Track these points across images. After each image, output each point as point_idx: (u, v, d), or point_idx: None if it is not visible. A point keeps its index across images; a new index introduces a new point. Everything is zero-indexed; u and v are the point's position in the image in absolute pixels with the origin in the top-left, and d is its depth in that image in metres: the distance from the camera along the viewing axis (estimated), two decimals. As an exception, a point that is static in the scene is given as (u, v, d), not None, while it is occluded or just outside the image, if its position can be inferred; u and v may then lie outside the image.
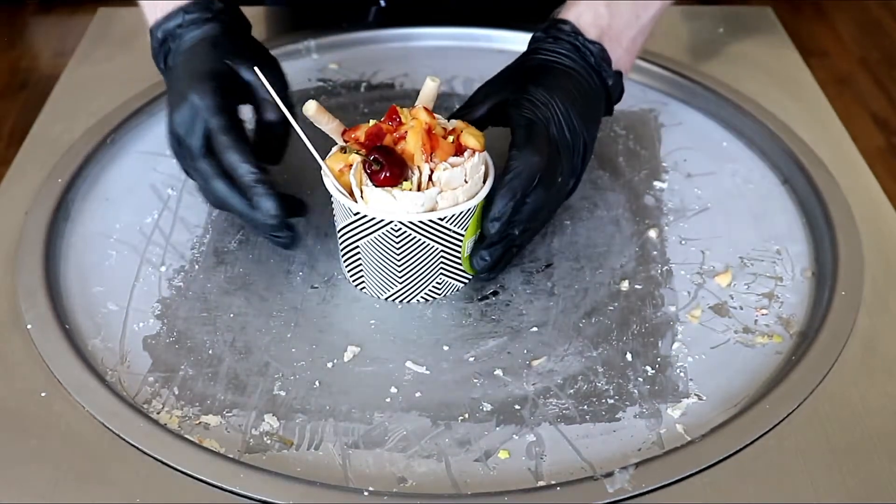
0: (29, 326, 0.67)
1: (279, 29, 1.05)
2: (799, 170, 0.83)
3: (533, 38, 0.79)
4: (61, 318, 0.68)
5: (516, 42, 1.01)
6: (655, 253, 0.76)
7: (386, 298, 0.71)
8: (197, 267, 0.75)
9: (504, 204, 0.67)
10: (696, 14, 1.09)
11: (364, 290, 0.72)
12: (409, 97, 0.93)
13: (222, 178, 0.70)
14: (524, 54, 0.78)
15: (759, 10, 1.09)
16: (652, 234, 0.78)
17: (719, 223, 0.80)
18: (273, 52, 0.90)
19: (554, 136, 0.71)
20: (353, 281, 0.72)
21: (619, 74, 0.78)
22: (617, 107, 0.93)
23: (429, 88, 0.71)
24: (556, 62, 0.75)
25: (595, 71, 0.76)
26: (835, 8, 2.74)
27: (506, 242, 0.70)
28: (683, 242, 0.78)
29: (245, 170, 0.69)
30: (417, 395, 0.64)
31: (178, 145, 0.73)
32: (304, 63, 0.99)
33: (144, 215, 0.79)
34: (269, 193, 0.69)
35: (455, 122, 0.69)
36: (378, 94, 0.95)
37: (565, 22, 0.77)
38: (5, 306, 0.70)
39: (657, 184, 0.84)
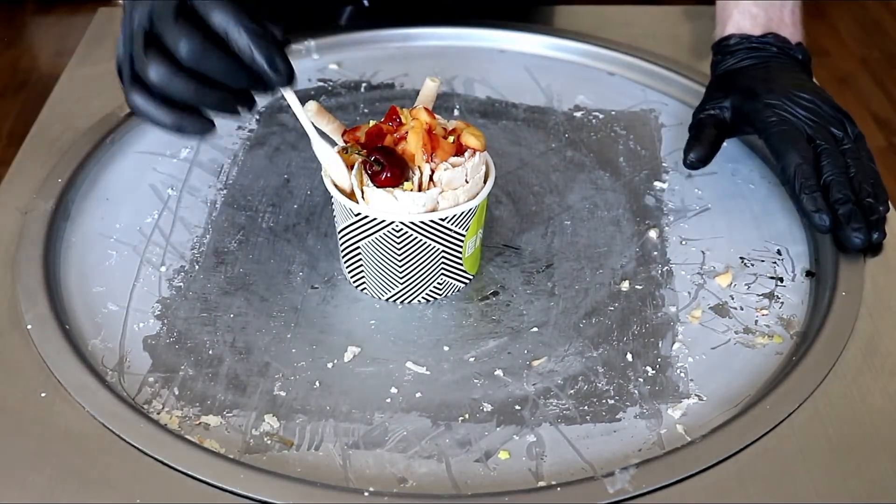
0: (29, 326, 0.67)
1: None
2: (799, 170, 0.83)
3: (712, 63, 0.85)
4: (61, 319, 0.68)
5: (516, 42, 1.01)
6: (656, 253, 0.76)
7: (387, 299, 0.71)
8: (197, 267, 0.75)
9: (812, 199, 0.72)
10: (696, 14, 1.09)
11: (365, 291, 0.72)
12: (409, 97, 0.93)
13: (211, 43, 0.59)
14: (715, 67, 0.84)
15: (760, 10, 1.09)
16: (652, 234, 0.78)
17: (720, 223, 0.80)
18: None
19: (803, 118, 0.76)
20: (354, 281, 0.72)
21: (800, 45, 0.83)
22: (617, 107, 0.94)
23: (429, 89, 0.71)
24: (750, 65, 0.81)
25: (782, 53, 0.81)
26: (835, 8, 2.74)
27: (847, 210, 0.72)
28: (684, 243, 0.77)
29: (247, 25, 0.59)
30: (418, 395, 0.64)
31: (131, 26, 0.61)
32: (304, 63, 0.99)
33: (144, 215, 0.79)
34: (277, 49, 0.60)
35: (455, 122, 0.69)
36: (378, 94, 0.95)
37: (729, 37, 0.83)
38: (5, 306, 0.70)
39: (657, 184, 0.84)
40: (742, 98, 0.79)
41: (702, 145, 0.79)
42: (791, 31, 0.83)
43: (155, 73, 0.60)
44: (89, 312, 0.70)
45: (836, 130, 0.76)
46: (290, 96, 0.65)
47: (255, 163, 0.86)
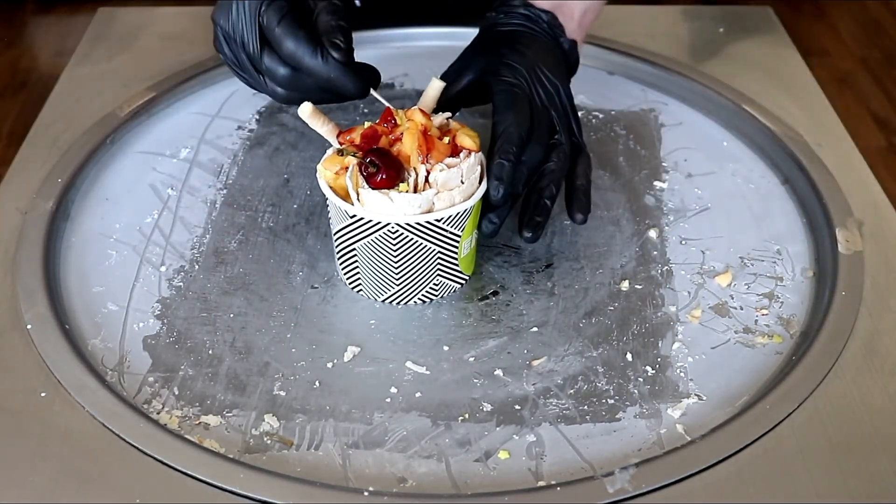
0: (29, 326, 0.67)
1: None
2: (799, 170, 0.83)
3: (486, 18, 0.81)
4: (61, 318, 0.68)
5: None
6: (656, 253, 0.76)
7: (383, 301, 0.71)
8: (197, 267, 0.75)
9: (501, 166, 0.68)
10: (696, 14, 1.09)
11: (361, 293, 0.72)
12: (410, 97, 0.93)
13: (288, 68, 0.69)
14: (481, 32, 0.80)
15: (759, 9, 1.09)
16: (652, 234, 0.78)
17: (719, 223, 0.80)
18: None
19: (536, 95, 0.73)
20: (350, 283, 0.72)
21: (573, 43, 0.79)
22: (617, 107, 0.94)
23: (433, 89, 0.72)
24: (516, 30, 0.78)
25: (551, 36, 0.78)
26: (835, 8, 2.74)
27: (511, 205, 0.70)
28: (684, 242, 0.77)
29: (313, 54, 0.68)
30: (417, 395, 0.64)
31: (230, 50, 0.71)
32: (304, 63, 0.99)
33: (144, 215, 0.79)
34: (351, 71, 0.68)
35: (452, 123, 0.69)
36: (378, 94, 0.95)
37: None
38: (5, 306, 0.70)
39: (657, 184, 0.84)
40: (491, 56, 0.76)
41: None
42: (574, 27, 0.80)
43: (279, 79, 0.70)
44: (89, 312, 0.70)
45: (560, 125, 0.73)
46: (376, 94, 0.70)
47: (254, 163, 0.86)
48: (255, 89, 0.72)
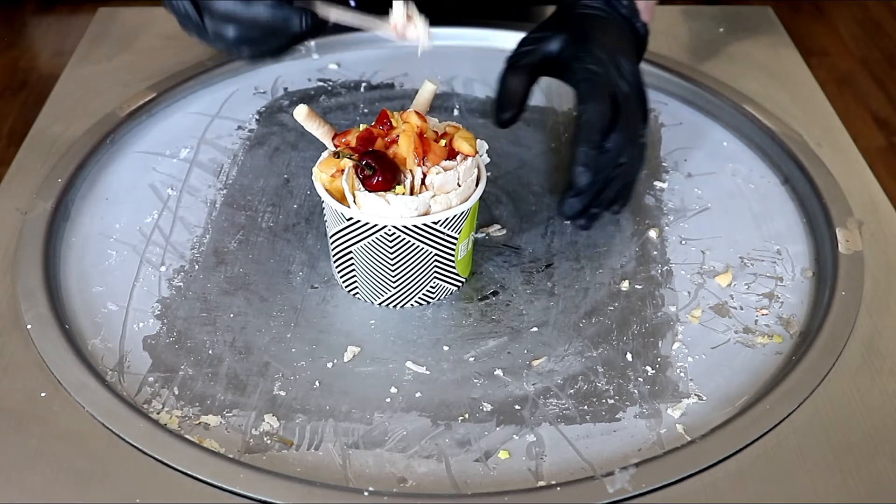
0: (29, 326, 0.67)
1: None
2: (799, 170, 0.83)
3: None
4: (61, 318, 0.68)
5: (516, 42, 1.01)
6: (656, 253, 0.76)
7: (380, 304, 0.71)
8: (197, 267, 0.75)
9: (586, 153, 0.71)
10: (696, 14, 1.09)
11: (357, 296, 0.72)
12: (409, 97, 0.93)
13: None
14: (561, 9, 0.80)
15: (759, 9, 1.09)
16: (652, 234, 0.78)
17: (719, 223, 0.80)
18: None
19: (619, 86, 0.73)
20: (347, 286, 0.72)
21: (645, 26, 0.80)
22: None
23: (426, 91, 0.71)
24: (597, 14, 0.78)
25: (628, 21, 0.79)
26: (835, 8, 2.74)
27: (593, 192, 0.73)
28: (684, 242, 0.78)
29: None
30: (417, 395, 0.64)
31: None
32: (304, 63, 0.99)
33: (144, 215, 0.79)
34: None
35: (447, 124, 0.69)
36: (378, 94, 0.95)
37: None
38: (5, 306, 0.70)
39: (657, 184, 0.84)
40: (574, 39, 0.76)
41: (513, 104, 0.76)
42: (642, 7, 0.81)
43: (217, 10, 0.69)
44: (89, 312, 0.70)
45: (638, 117, 0.75)
46: (331, 14, 0.70)
47: (254, 163, 0.86)
48: (203, 40, 0.71)
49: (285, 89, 0.96)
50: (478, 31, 1.02)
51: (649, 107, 0.76)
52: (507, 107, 0.75)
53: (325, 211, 0.69)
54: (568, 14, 0.79)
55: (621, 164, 0.73)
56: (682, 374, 0.66)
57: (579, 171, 0.71)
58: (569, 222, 0.76)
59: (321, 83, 0.97)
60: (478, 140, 0.69)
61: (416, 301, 0.71)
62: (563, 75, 0.76)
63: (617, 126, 0.72)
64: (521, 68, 0.76)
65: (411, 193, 0.65)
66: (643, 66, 0.96)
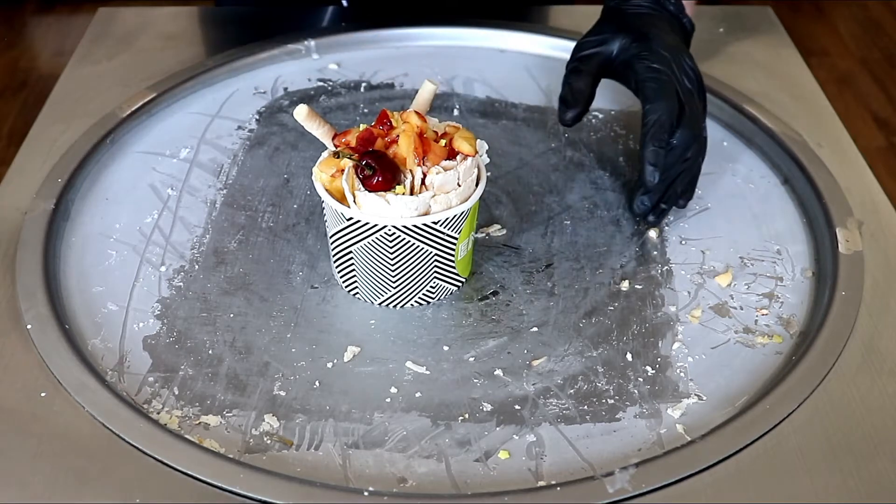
0: (29, 326, 0.67)
1: (273, 29, 1.05)
2: (799, 170, 0.83)
3: None
4: (61, 318, 0.68)
5: (516, 42, 1.01)
6: (655, 253, 0.76)
7: (380, 304, 0.71)
8: (197, 267, 0.75)
9: (655, 153, 0.72)
10: (696, 14, 1.08)
11: (357, 296, 0.72)
12: (409, 97, 0.93)
13: None
14: (611, 10, 0.82)
15: (759, 9, 1.09)
16: (652, 234, 0.78)
17: (719, 223, 0.80)
18: (273, 52, 0.90)
19: (682, 82, 0.75)
20: (346, 286, 0.72)
21: (692, 22, 0.82)
22: (617, 107, 0.94)
23: (426, 91, 0.71)
24: (646, 13, 0.79)
25: (675, 17, 0.81)
26: (835, 8, 2.74)
27: (662, 188, 0.75)
28: (684, 242, 0.78)
29: None
30: (417, 395, 0.64)
31: None
32: (304, 63, 0.99)
33: (144, 215, 0.79)
34: None
35: (447, 124, 0.69)
36: (378, 94, 0.95)
37: None
38: (5, 306, 0.70)
39: (657, 184, 0.84)
40: (634, 39, 0.77)
41: (578, 102, 0.77)
42: (686, 3, 0.83)
43: None
44: (89, 312, 0.70)
45: (701, 113, 0.77)
46: None
47: (254, 163, 0.86)
48: None
49: (285, 89, 0.96)
50: (478, 31, 1.02)
51: (705, 100, 0.78)
52: (571, 105, 0.77)
53: (325, 211, 0.69)
54: (621, 14, 0.80)
55: (687, 159, 0.75)
56: (682, 374, 0.66)
57: (650, 170, 0.73)
58: (645, 220, 0.78)
59: (321, 83, 0.97)
60: (478, 140, 0.69)
61: (416, 301, 0.71)
62: (625, 75, 0.78)
63: (682, 122, 0.74)
64: (584, 72, 0.78)
65: (411, 193, 0.65)
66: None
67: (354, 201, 0.66)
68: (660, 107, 0.73)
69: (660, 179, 0.74)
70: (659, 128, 0.73)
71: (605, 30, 0.79)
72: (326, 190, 0.67)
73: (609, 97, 0.95)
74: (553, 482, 0.58)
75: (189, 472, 0.58)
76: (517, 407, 0.64)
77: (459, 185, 0.66)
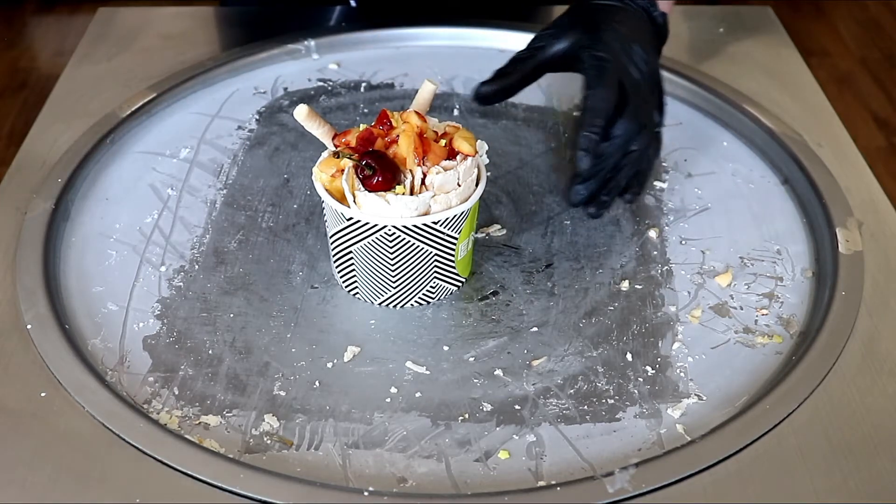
0: (29, 326, 0.67)
1: (278, 30, 1.05)
2: (799, 170, 0.83)
3: None
4: (61, 318, 0.68)
5: (516, 42, 1.01)
6: (655, 253, 0.76)
7: (380, 304, 0.71)
8: (197, 267, 0.75)
9: (587, 139, 0.70)
10: (696, 14, 1.09)
11: (357, 296, 0.72)
12: (409, 97, 0.93)
13: None
14: (576, 4, 0.80)
15: (759, 9, 1.09)
16: (652, 234, 0.78)
17: (719, 223, 0.80)
18: (273, 52, 0.89)
19: (629, 72, 0.73)
20: (346, 286, 0.72)
21: (664, 16, 0.80)
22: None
23: (426, 91, 0.71)
24: (611, 5, 0.78)
25: (645, 11, 0.79)
26: (835, 8, 2.74)
27: (600, 178, 0.72)
28: (684, 242, 0.77)
29: None
30: (417, 395, 0.64)
31: None
32: (304, 63, 0.99)
33: (144, 215, 0.79)
34: None
35: (447, 124, 0.69)
36: (378, 94, 0.95)
37: None
38: (5, 306, 0.70)
39: (657, 184, 0.84)
40: (585, 30, 0.76)
41: (497, 81, 0.75)
42: None
43: None
44: (89, 312, 0.70)
45: (649, 105, 0.74)
46: None
47: (254, 163, 0.86)
48: None
49: (285, 89, 0.96)
50: (478, 31, 1.02)
51: (665, 97, 0.76)
52: (491, 80, 0.75)
53: (325, 211, 0.69)
54: (583, 8, 0.79)
55: (632, 152, 0.73)
56: (682, 374, 0.66)
57: (580, 155, 0.71)
58: (585, 211, 0.76)
59: (321, 83, 0.97)
60: (478, 140, 0.69)
61: (416, 301, 0.71)
62: (576, 67, 0.76)
63: (625, 112, 0.72)
64: (525, 60, 0.77)
65: (411, 193, 0.65)
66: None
67: (354, 201, 0.65)
68: (598, 93, 0.71)
69: (595, 168, 0.71)
70: (594, 114, 0.71)
71: (562, 23, 0.78)
72: (326, 190, 0.67)
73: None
74: (553, 482, 0.58)
75: (189, 472, 0.58)
76: (517, 407, 0.64)
77: (459, 185, 0.66)
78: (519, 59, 0.77)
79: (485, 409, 0.64)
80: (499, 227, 0.79)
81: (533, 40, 0.78)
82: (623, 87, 0.72)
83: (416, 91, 0.72)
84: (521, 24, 1.02)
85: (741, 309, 0.71)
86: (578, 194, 0.72)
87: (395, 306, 0.71)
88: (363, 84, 0.97)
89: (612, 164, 0.72)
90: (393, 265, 0.68)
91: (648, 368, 0.66)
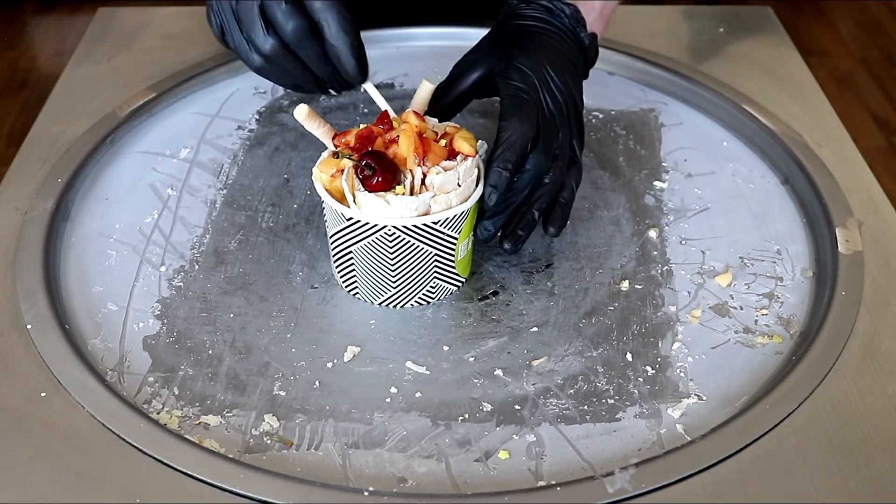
0: (29, 326, 0.67)
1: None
2: (799, 170, 0.83)
3: (507, 5, 0.79)
4: (61, 318, 0.68)
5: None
6: (655, 253, 0.76)
7: (380, 304, 0.71)
8: (197, 267, 0.75)
9: (498, 174, 0.68)
10: (696, 14, 1.09)
11: (357, 296, 0.72)
12: (410, 97, 0.93)
13: (304, 21, 0.67)
14: (499, 23, 0.79)
15: (759, 9, 1.09)
16: (652, 234, 0.78)
17: (719, 223, 0.80)
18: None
19: (544, 102, 0.71)
20: (347, 287, 0.72)
21: (594, 36, 0.78)
22: (617, 107, 0.94)
23: (425, 90, 0.71)
24: (533, 26, 0.76)
25: (571, 32, 0.77)
26: (835, 8, 2.74)
27: (509, 213, 0.70)
28: (683, 242, 0.78)
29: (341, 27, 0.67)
30: (417, 395, 0.64)
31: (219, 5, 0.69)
32: (304, 63, 0.99)
33: (144, 215, 0.79)
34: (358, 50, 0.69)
35: (447, 125, 0.69)
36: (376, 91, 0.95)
37: None
38: (5, 306, 0.70)
39: (657, 184, 0.84)
40: (502, 56, 0.74)
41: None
42: (595, 17, 0.79)
43: (269, 47, 0.68)
44: (89, 312, 0.70)
45: (562, 136, 0.72)
46: (370, 89, 0.71)
47: (254, 163, 0.86)
48: (234, 43, 0.70)
49: (285, 89, 0.96)
50: (478, 31, 1.01)
51: (578, 122, 0.74)
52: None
53: (325, 211, 0.69)
54: (503, 31, 0.77)
55: (544, 185, 0.71)
56: (682, 374, 0.66)
57: (488, 191, 0.67)
58: (501, 247, 0.72)
59: (321, 83, 0.97)
60: (478, 140, 0.69)
61: (416, 301, 0.71)
62: (495, 93, 0.74)
63: (536, 146, 0.69)
64: (449, 91, 0.76)
65: (411, 193, 0.65)
66: (644, 64, 0.97)
67: (354, 201, 0.65)
68: (512, 126, 0.68)
69: (503, 203, 0.69)
70: (507, 148, 0.68)
71: (480, 48, 0.77)
72: (326, 190, 0.67)
73: (609, 97, 0.95)
74: (553, 482, 0.58)
75: (189, 472, 0.58)
76: (517, 407, 0.64)
77: (459, 186, 0.66)
78: (440, 92, 0.75)
79: (485, 409, 0.64)
80: (499, 227, 0.78)
81: (454, 67, 0.77)
82: (539, 119, 0.70)
83: (416, 91, 0.72)
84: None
85: (741, 309, 0.71)
86: (486, 230, 0.69)
87: (395, 306, 0.71)
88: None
89: (521, 199, 0.70)
90: (393, 265, 0.68)
91: (648, 368, 0.66)
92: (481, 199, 0.68)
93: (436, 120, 0.70)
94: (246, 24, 0.68)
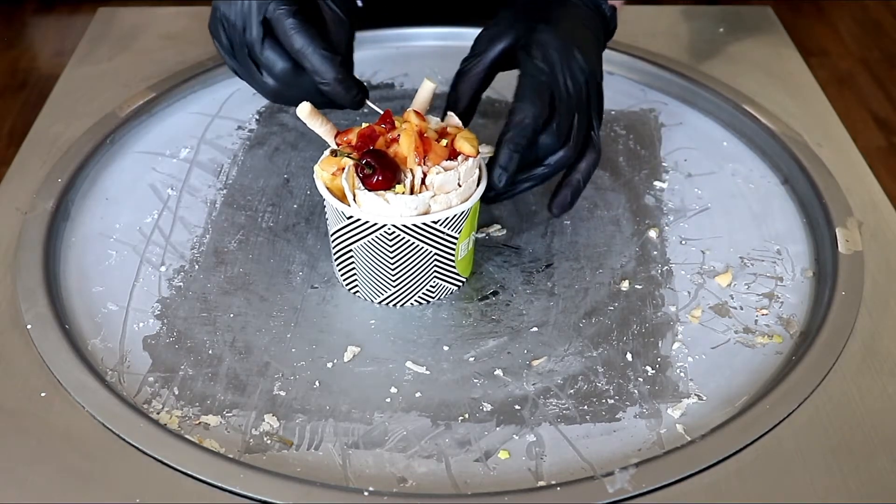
0: (29, 326, 0.67)
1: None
2: (799, 170, 0.83)
3: None
4: (61, 318, 0.68)
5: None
6: (655, 253, 0.76)
7: (379, 302, 0.71)
8: (197, 267, 0.75)
9: (508, 156, 0.68)
10: (696, 14, 1.09)
11: (357, 294, 0.72)
12: (409, 97, 0.93)
13: (289, 63, 0.69)
14: None
15: (759, 9, 1.09)
16: (652, 234, 0.78)
17: (719, 223, 0.80)
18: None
19: (563, 83, 0.70)
20: (347, 285, 0.72)
21: (614, 9, 0.78)
22: (617, 107, 0.94)
23: (425, 90, 0.71)
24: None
25: (593, 3, 0.76)
26: (835, 8, 2.74)
27: (512, 191, 0.71)
28: (684, 242, 0.78)
29: (322, 62, 0.68)
30: (417, 395, 0.64)
31: (226, 37, 0.70)
32: (304, 63, 0.99)
33: (144, 215, 0.79)
34: (352, 82, 0.69)
35: (450, 126, 0.69)
36: (378, 94, 0.95)
37: None
38: (5, 306, 0.70)
39: (657, 184, 0.84)
40: (526, 29, 0.72)
41: (457, 108, 0.74)
42: None
43: (271, 84, 0.71)
44: (89, 312, 0.70)
45: (580, 118, 0.71)
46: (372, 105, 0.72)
47: (254, 163, 0.86)
48: (243, 78, 0.72)
49: (285, 89, 0.95)
50: (478, 32, 1.02)
51: (599, 99, 0.73)
52: (453, 111, 0.73)
53: (326, 209, 0.69)
54: (525, 1, 0.75)
55: (548, 165, 0.70)
56: (682, 374, 0.66)
57: (497, 172, 0.68)
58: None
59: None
60: (481, 144, 0.68)
61: (416, 300, 0.71)
62: (516, 65, 0.73)
63: (547, 128, 0.69)
64: (470, 74, 0.74)
65: (411, 193, 0.65)
66: (644, 64, 0.97)
67: (354, 200, 0.66)
68: (524, 108, 0.68)
69: (507, 185, 0.68)
70: (520, 130, 0.67)
71: (501, 21, 0.75)
72: (327, 188, 0.67)
73: (609, 97, 0.94)
74: (553, 482, 0.58)
75: (189, 472, 0.58)
76: (517, 407, 0.64)
77: (460, 186, 0.66)
78: (463, 73, 0.75)
79: (485, 409, 0.64)
80: (499, 226, 0.79)
81: (474, 44, 0.76)
82: (553, 100, 0.69)
83: (416, 91, 0.72)
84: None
85: (741, 309, 0.71)
86: (500, 180, 0.68)
87: (395, 305, 0.71)
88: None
89: (528, 178, 0.71)
90: (393, 264, 0.68)
91: (648, 368, 0.66)
92: (487, 185, 0.68)
93: (437, 119, 0.70)
94: (244, 68, 0.71)
